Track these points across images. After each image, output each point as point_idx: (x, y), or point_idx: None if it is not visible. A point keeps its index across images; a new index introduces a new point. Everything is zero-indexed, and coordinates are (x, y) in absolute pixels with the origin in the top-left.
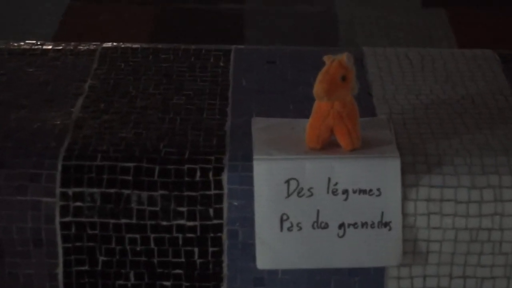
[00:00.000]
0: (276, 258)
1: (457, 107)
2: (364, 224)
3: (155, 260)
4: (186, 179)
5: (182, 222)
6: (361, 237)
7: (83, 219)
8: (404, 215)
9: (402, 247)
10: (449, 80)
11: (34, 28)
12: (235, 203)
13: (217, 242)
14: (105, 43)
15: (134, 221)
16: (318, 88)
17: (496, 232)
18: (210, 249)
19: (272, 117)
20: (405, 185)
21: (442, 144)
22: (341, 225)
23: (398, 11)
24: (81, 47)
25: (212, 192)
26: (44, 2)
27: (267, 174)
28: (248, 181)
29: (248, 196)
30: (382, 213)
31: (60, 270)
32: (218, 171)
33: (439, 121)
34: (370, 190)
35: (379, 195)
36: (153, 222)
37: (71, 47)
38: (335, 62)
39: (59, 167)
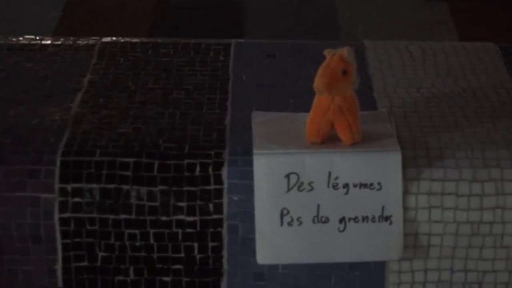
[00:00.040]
0: (276, 253)
1: (458, 100)
2: (365, 218)
3: (155, 256)
4: (186, 174)
5: (181, 217)
6: (361, 231)
7: (82, 215)
8: (405, 209)
9: (403, 241)
10: (450, 74)
11: (34, 23)
12: (235, 198)
13: (217, 237)
14: (104, 38)
15: (133, 216)
16: (318, 82)
17: (497, 226)
18: (210, 244)
19: (272, 111)
20: (406, 179)
21: (444, 138)
22: (342, 220)
23: (400, 4)
24: (80, 42)
25: (212, 187)
26: None
27: (267, 168)
28: (248, 175)
29: (248, 191)
30: (383, 207)
31: (59, 266)
32: (218, 166)
33: (441, 115)
34: (371, 184)
35: (379, 189)
36: (152, 218)
37: (70, 42)
38: (335, 56)
39: (58, 163)
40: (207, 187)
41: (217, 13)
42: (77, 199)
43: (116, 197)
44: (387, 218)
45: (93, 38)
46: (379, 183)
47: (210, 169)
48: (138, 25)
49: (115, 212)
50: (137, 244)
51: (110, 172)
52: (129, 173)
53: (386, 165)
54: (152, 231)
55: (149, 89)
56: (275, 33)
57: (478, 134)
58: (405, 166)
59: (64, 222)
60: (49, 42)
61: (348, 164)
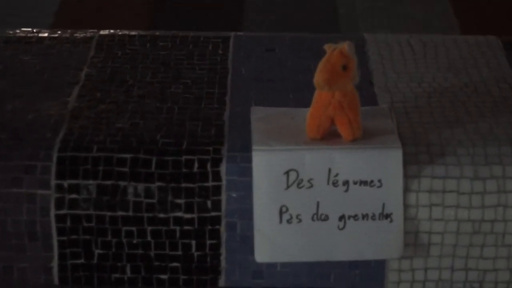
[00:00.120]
0: (275, 251)
1: (460, 95)
2: (365, 216)
3: (152, 253)
4: (184, 170)
5: (179, 214)
6: (361, 229)
7: (78, 212)
8: (406, 206)
9: (403, 239)
10: (451, 68)
11: (31, 15)
12: (234, 195)
13: (215, 234)
14: (102, 31)
15: (130, 213)
16: (318, 77)
17: (499, 224)
18: (208, 242)
19: (272, 106)
20: (406, 176)
21: (445, 134)
22: (342, 217)
23: None
24: (78, 35)
25: (210, 183)
26: None
27: (266, 165)
28: (247, 172)
29: (246, 188)
30: (383, 204)
31: (55, 264)
32: (217, 162)
33: (442, 110)
34: (371, 181)
35: (380, 186)
36: (150, 215)
37: (67, 35)
38: (336, 51)
39: (55, 159)
40: (205, 184)
41: (217, 5)
42: (73, 196)
43: (113, 193)
44: (387, 216)
45: (90, 30)
46: (379, 180)
47: (209, 165)
48: (136, 16)
49: (112, 209)
50: (134, 241)
51: (107, 168)
52: (126, 169)
53: (387, 162)
54: (149, 228)
55: (147, 83)
56: (275, 25)
57: (480, 130)
58: (406, 163)
59: (60, 218)
60: (46, 34)
61: (348, 161)
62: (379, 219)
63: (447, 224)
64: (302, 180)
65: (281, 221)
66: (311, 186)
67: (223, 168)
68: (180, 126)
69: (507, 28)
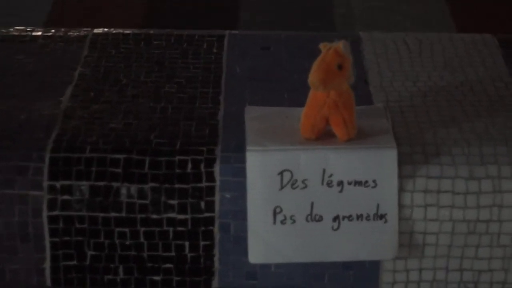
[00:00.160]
0: (269, 251)
1: (456, 94)
2: (359, 217)
3: (145, 254)
4: (177, 171)
5: (172, 215)
6: (356, 229)
7: (71, 213)
8: (400, 207)
9: (398, 239)
10: (447, 66)
11: (25, 14)
12: (227, 196)
13: (209, 235)
14: (96, 29)
15: (123, 214)
16: (313, 77)
17: (494, 224)
18: (202, 243)
19: (266, 106)
20: (401, 176)
21: (440, 133)
22: (336, 218)
23: None
24: (71, 34)
25: (204, 184)
26: None
27: (260, 165)
28: (240, 172)
29: (240, 188)
30: (378, 205)
31: (47, 265)
32: (210, 163)
33: (437, 109)
34: (366, 182)
35: (374, 186)
36: (143, 216)
37: (61, 34)
38: (331, 50)
39: (47, 160)
40: (199, 185)
41: (211, 3)
42: (66, 197)
43: (106, 194)
44: (382, 217)
45: (84, 29)
46: (374, 181)
47: (202, 166)
48: (131, 15)
49: (105, 210)
50: (127, 242)
51: (100, 169)
52: (119, 170)
53: (382, 162)
54: (142, 229)
55: (141, 82)
56: (270, 23)
57: (476, 129)
58: (400, 163)
59: (52, 220)
60: (39, 33)
61: (343, 161)
62: (374, 219)
63: (442, 224)
64: (296, 180)
65: (275, 222)
66: (305, 186)
67: (217, 168)
68: (174, 126)
69: (503, 26)
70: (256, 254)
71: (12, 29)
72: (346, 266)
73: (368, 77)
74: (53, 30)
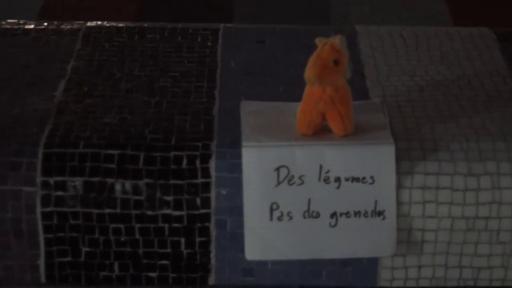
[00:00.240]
0: (265, 248)
1: (453, 88)
2: (357, 213)
3: (140, 251)
4: (172, 166)
5: (168, 211)
6: (353, 226)
7: (65, 209)
8: (399, 203)
9: (396, 236)
10: (444, 60)
11: (17, 7)
12: (223, 192)
13: (205, 232)
14: (89, 22)
15: (118, 210)
16: (309, 73)
17: (493, 221)
18: (197, 239)
19: (262, 100)
20: (399, 173)
21: (438, 128)
22: (333, 214)
23: None
24: (64, 27)
25: (199, 180)
26: None
27: (257, 161)
28: (236, 168)
29: (236, 185)
30: (376, 201)
31: (41, 262)
32: (206, 158)
33: (435, 104)
34: (363, 178)
35: (372, 183)
36: (138, 212)
37: (54, 27)
38: (327, 45)
39: (40, 155)
40: (195, 181)
41: None
42: (60, 193)
43: (100, 190)
44: (380, 213)
45: (77, 22)
46: (371, 177)
47: (198, 161)
48: (124, 7)
49: (99, 206)
50: (122, 239)
51: (94, 165)
52: (113, 166)
53: (379, 158)
54: (137, 225)
55: (135, 76)
56: (265, 16)
57: (474, 124)
58: (398, 159)
59: (46, 216)
60: (32, 26)
61: (340, 157)
62: (372, 216)
63: (440, 221)
64: (293, 176)
65: (271, 219)
66: (302, 182)
67: (212, 164)
68: (169, 121)
69: (500, 19)
70: (253, 250)
71: (4, 22)
72: (344, 263)
73: (364, 71)
74: (45, 23)
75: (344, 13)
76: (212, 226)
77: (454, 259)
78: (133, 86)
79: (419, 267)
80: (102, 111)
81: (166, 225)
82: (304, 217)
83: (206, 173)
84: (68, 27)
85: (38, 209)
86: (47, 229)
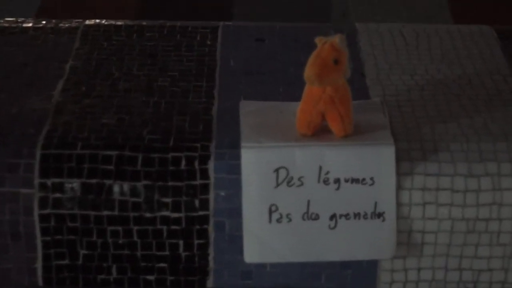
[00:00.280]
0: (264, 251)
1: (453, 88)
2: (357, 215)
3: (139, 253)
4: (171, 168)
5: (166, 213)
6: (353, 228)
7: (63, 211)
8: (399, 205)
9: (396, 238)
10: (445, 59)
11: (16, 5)
12: (222, 193)
13: (203, 234)
14: (87, 20)
15: (116, 212)
16: (309, 72)
17: (494, 222)
18: (196, 242)
19: (261, 100)
20: (399, 174)
21: (438, 129)
22: (333, 216)
23: None
24: (62, 25)
25: (198, 181)
26: None
27: (256, 162)
28: (235, 170)
29: (235, 186)
30: (376, 203)
31: (39, 264)
32: (204, 160)
33: (435, 103)
34: (363, 179)
35: (372, 184)
36: (136, 214)
37: (52, 25)
38: (327, 44)
39: (38, 157)
40: (193, 182)
41: None
42: (57, 195)
43: (98, 192)
44: (379, 215)
45: (75, 20)
46: (371, 178)
47: (196, 163)
48: (123, 5)
49: (97, 208)
50: (120, 241)
51: (92, 166)
52: (111, 167)
53: (379, 159)
54: (135, 228)
55: (133, 76)
56: (265, 14)
57: (474, 124)
58: (398, 160)
59: (44, 218)
60: (30, 25)
61: (340, 158)
62: (371, 218)
63: (440, 223)
64: (292, 178)
65: (270, 221)
66: (302, 184)
67: (211, 165)
68: (167, 121)
69: (501, 17)
70: (252, 253)
71: (2, 20)
72: (344, 265)
73: (364, 69)
74: (43, 22)
75: (344, 11)
76: (210, 228)
77: (454, 261)
78: (132, 85)
79: (419, 269)
80: (100, 111)
81: (165, 227)
82: (303, 219)
83: (204, 174)
84: (67, 25)
85: (36, 211)
86: (44, 231)
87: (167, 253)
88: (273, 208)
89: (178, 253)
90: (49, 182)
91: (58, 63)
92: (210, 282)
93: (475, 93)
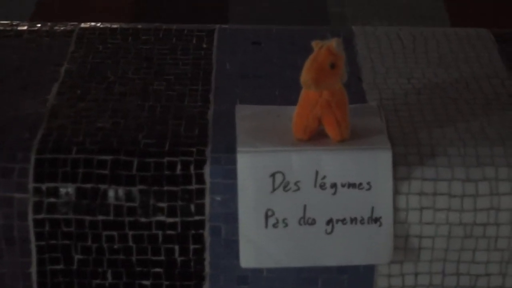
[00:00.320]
0: (260, 256)
1: (451, 92)
2: (353, 220)
3: (134, 258)
4: (166, 172)
5: (162, 218)
6: (350, 233)
7: (57, 216)
8: (396, 210)
9: (393, 243)
10: (442, 62)
11: (11, 8)
12: (218, 198)
13: (199, 239)
14: (83, 24)
15: (111, 217)
16: (305, 77)
17: (491, 227)
18: (192, 247)
19: (257, 104)
20: (396, 178)
21: (435, 133)
22: (329, 221)
23: None
24: (57, 28)
25: (194, 186)
26: None
27: (252, 167)
28: (231, 174)
29: (231, 191)
30: (372, 208)
31: (33, 269)
32: (200, 164)
33: (432, 107)
34: (360, 184)
35: (369, 189)
36: (131, 219)
37: (47, 28)
38: (323, 48)
39: (32, 161)
40: (189, 187)
41: None
42: (52, 199)
43: (93, 197)
44: (376, 220)
45: (71, 23)
46: (368, 183)
47: (192, 167)
48: (119, 8)
49: (92, 213)
50: (115, 246)
51: (87, 171)
52: (106, 172)
53: (376, 164)
54: (130, 233)
55: (128, 79)
56: (261, 17)
57: (472, 129)
58: (395, 164)
59: (38, 223)
60: (25, 28)
61: (336, 163)
62: (368, 223)
63: (438, 227)
64: (288, 182)
65: (266, 225)
66: (298, 189)
67: (207, 170)
68: (163, 125)
69: (499, 20)
70: (248, 258)
71: None
72: (340, 270)
73: (361, 73)
74: (38, 25)
75: (340, 14)
76: (206, 233)
77: (452, 266)
78: (127, 89)
79: (416, 274)
80: (95, 115)
81: (160, 232)
82: (300, 224)
83: (200, 179)
84: (62, 28)
85: (30, 216)
86: (39, 236)
87: (162, 258)
88: (270, 213)
89: (174, 258)
90: (43, 186)
91: (53, 66)
92: (206, 287)
93: (472, 96)
